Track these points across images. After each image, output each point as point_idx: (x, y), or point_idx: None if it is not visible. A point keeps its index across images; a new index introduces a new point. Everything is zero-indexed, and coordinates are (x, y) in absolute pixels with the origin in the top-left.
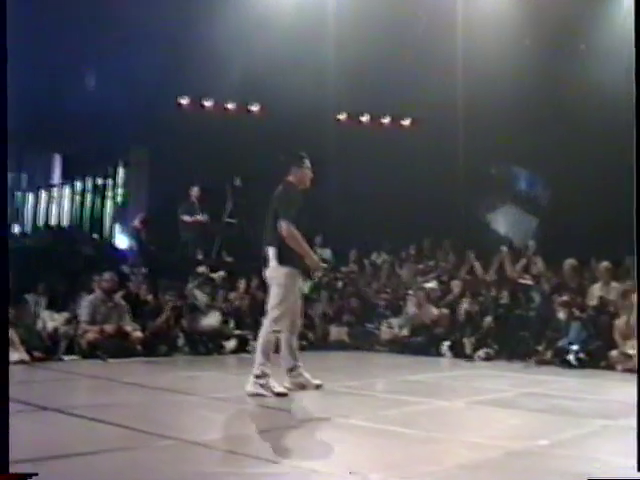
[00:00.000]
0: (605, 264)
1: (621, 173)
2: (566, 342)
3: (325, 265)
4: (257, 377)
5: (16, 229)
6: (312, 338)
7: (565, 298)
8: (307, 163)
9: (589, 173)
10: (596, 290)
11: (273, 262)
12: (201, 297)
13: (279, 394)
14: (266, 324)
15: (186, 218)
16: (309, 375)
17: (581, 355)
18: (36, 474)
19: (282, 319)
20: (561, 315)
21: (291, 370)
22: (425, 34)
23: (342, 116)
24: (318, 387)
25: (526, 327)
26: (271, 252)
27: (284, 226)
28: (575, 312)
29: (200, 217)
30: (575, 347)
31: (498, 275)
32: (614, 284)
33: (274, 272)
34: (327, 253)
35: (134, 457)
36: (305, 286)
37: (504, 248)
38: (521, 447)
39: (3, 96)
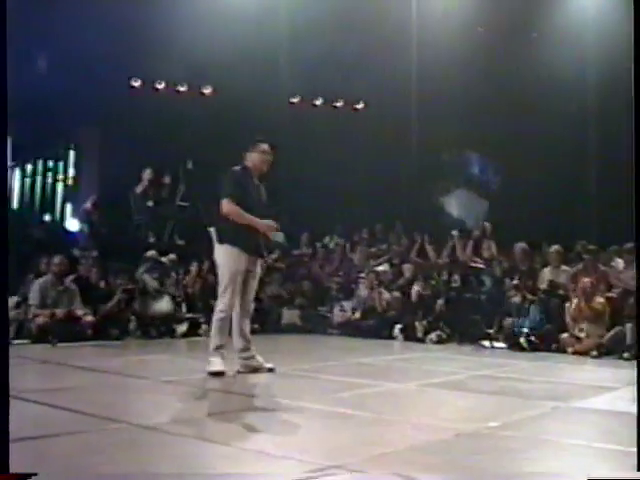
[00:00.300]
0: (555, 247)
1: (571, 158)
2: (523, 325)
3: (274, 225)
4: (215, 349)
5: None
6: (264, 321)
7: (516, 282)
8: (262, 147)
9: (540, 158)
10: (546, 274)
11: (215, 242)
12: (150, 282)
13: (213, 373)
14: (215, 306)
15: (138, 189)
16: (262, 358)
17: (532, 338)
18: (36, 474)
19: (225, 297)
20: (517, 299)
21: (242, 352)
22: (379, 19)
23: (295, 99)
24: (270, 370)
25: (478, 310)
26: (211, 232)
27: (223, 204)
28: (528, 296)
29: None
30: (526, 330)
31: (450, 259)
32: (564, 267)
33: (216, 251)
34: (280, 236)
35: (84, 441)
36: (258, 267)
37: (455, 232)
38: (472, 429)
39: (3, 95)
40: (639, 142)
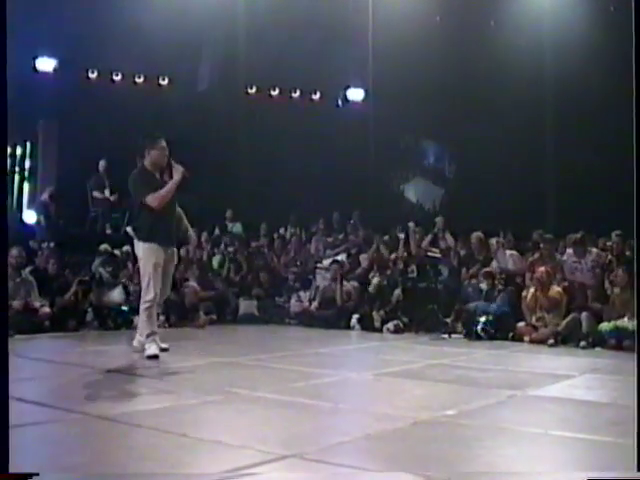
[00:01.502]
0: (496, 239)
1: (528, 146)
2: (488, 311)
3: (182, 169)
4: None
5: None
6: (222, 312)
7: (488, 269)
8: (162, 144)
9: (496, 146)
10: (494, 263)
11: (135, 240)
12: (105, 274)
13: (150, 356)
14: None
15: (96, 194)
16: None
17: (488, 327)
18: (37, 474)
19: (150, 289)
20: (484, 285)
21: (148, 336)
22: (336, 9)
23: (252, 90)
24: (164, 350)
25: (434, 300)
26: (129, 231)
27: (148, 202)
28: (500, 285)
29: (110, 196)
30: (483, 319)
31: (406, 250)
32: (509, 252)
33: (135, 248)
34: (237, 227)
35: (42, 432)
36: (175, 257)
37: (412, 224)
38: (428, 417)
39: (3, 93)
40: (639, 140)
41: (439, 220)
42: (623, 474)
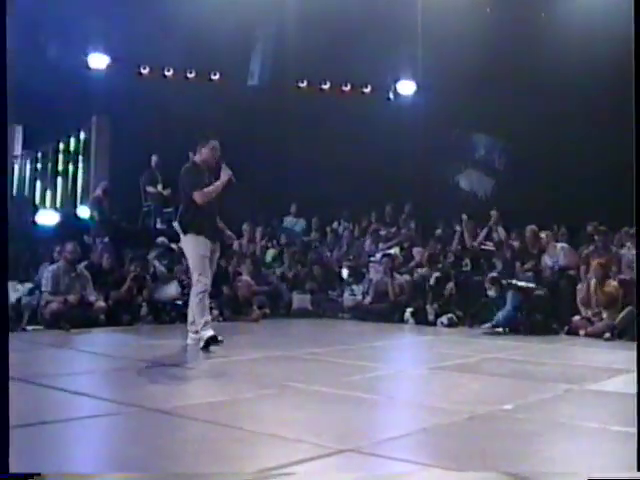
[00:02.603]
0: (546, 232)
1: (581, 138)
2: (498, 317)
3: (230, 173)
4: (196, 332)
5: None
6: (275, 306)
7: (494, 275)
8: (212, 143)
9: (546, 139)
10: (546, 257)
11: (180, 235)
12: (160, 267)
13: (211, 338)
14: (192, 290)
15: (149, 189)
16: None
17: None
18: (38, 474)
19: (202, 280)
20: (492, 292)
21: (191, 326)
22: (386, 2)
23: (303, 84)
24: (218, 342)
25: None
26: (176, 226)
27: (195, 197)
28: (503, 282)
29: (163, 191)
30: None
31: (460, 243)
32: (560, 245)
33: (182, 243)
34: (301, 224)
35: (100, 425)
36: (218, 251)
37: (465, 216)
38: (485, 411)
39: (3, 93)
40: (639, 140)
41: (494, 213)
42: (623, 474)
